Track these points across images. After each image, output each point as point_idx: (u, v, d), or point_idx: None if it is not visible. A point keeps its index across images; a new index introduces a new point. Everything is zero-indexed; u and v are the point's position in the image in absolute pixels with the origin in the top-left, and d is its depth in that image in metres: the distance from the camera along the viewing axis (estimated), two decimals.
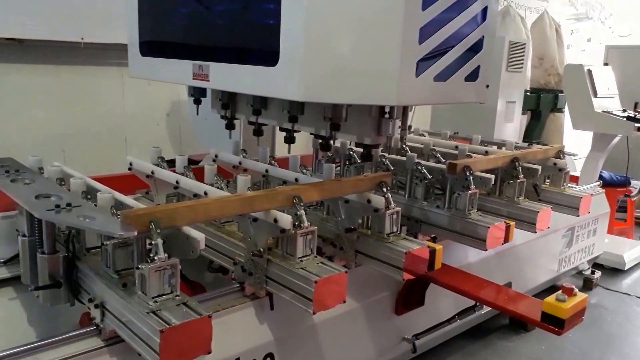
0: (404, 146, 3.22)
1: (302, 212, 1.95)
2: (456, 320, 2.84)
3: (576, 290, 2.09)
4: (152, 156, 2.66)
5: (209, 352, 1.53)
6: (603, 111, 4.42)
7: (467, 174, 2.55)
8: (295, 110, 2.28)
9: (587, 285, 4.03)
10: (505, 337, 3.33)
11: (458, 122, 4.53)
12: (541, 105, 5.99)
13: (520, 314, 2.21)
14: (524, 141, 4.31)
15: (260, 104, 2.49)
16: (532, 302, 2.26)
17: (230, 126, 2.77)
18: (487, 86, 2.25)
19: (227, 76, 2.15)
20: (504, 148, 3.44)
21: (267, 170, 2.62)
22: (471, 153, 3.13)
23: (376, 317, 2.48)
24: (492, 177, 2.68)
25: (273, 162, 2.76)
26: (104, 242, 1.75)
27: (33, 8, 3.47)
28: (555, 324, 2.06)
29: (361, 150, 2.93)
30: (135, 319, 1.54)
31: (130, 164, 2.59)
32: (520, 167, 2.85)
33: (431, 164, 2.85)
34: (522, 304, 2.27)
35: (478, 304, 2.89)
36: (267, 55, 1.90)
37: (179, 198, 2.41)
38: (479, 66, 2.16)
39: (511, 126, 4.98)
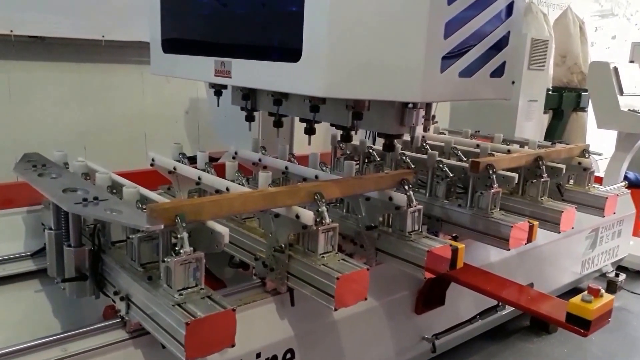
0: (424, 144, 3.20)
1: (324, 208, 1.95)
2: (477, 321, 2.81)
3: (602, 291, 2.06)
4: (173, 152, 2.68)
5: (233, 346, 1.54)
6: (629, 110, 4.33)
7: (490, 172, 2.52)
8: (317, 100, 2.21)
9: (611, 288, 3.95)
10: (527, 338, 3.28)
11: (478, 120, 4.47)
12: (563, 104, 5.91)
13: (545, 314, 2.18)
14: (545, 140, 4.25)
15: (281, 94, 2.43)
16: (557, 303, 2.23)
17: (250, 118, 2.74)
18: (513, 82, 2.22)
19: (249, 72, 2.14)
20: (526, 147, 3.39)
21: (286, 167, 2.62)
22: (493, 151, 3.09)
23: (396, 315, 2.47)
24: (516, 175, 2.65)
25: (292, 159, 2.77)
26: (130, 236, 1.77)
27: (55, 6, 3.53)
28: (580, 325, 2.03)
29: (380, 148, 2.95)
30: (161, 311, 1.56)
31: (153, 160, 2.62)
32: (544, 166, 2.80)
33: (453, 162, 2.83)
34: (546, 305, 2.24)
35: (500, 304, 2.86)
36: (290, 51, 1.87)
37: (200, 194, 2.42)
38: (504, 62, 2.13)
39: (532, 125, 4.91)
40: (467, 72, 1.98)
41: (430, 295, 2.53)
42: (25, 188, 2.61)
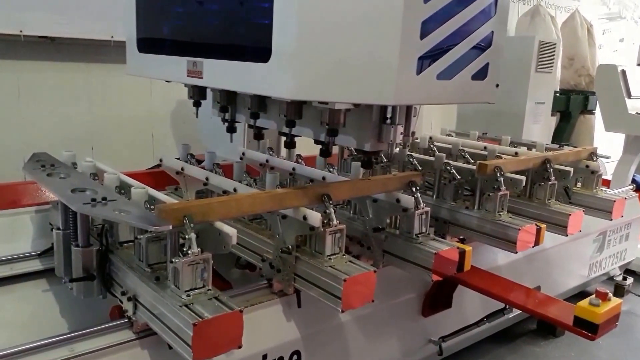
0: (431, 146, 3.19)
1: (332, 210, 1.95)
2: (484, 323, 2.80)
3: (610, 294, 2.04)
4: (181, 153, 2.69)
5: (240, 347, 1.54)
6: (637, 113, 4.30)
7: (498, 174, 2.51)
8: (292, 115, 2.14)
9: (619, 291, 3.93)
10: (533, 342, 3.27)
11: (485, 122, 4.47)
12: (571, 106, 5.89)
13: (552, 317, 2.17)
14: (553, 143, 4.23)
15: (257, 107, 2.38)
16: (564, 306, 2.22)
17: (231, 129, 2.67)
18: (497, 85, 2.07)
19: (221, 73, 2.05)
20: (534, 149, 3.38)
21: (294, 169, 2.62)
22: (501, 154, 3.08)
23: (403, 318, 2.46)
24: (523, 178, 2.64)
25: (300, 160, 2.77)
26: (137, 236, 1.77)
27: (65, 7, 3.55)
28: (588, 329, 2.02)
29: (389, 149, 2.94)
30: (168, 312, 1.56)
31: (161, 161, 2.62)
32: (551, 169, 2.79)
33: (460, 164, 2.82)
34: (553, 308, 2.23)
35: (507, 307, 2.85)
36: (260, 50, 1.78)
37: (207, 194, 2.43)
38: (487, 64, 2.00)
39: (540, 127, 4.90)
40: (447, 74, 1.87)
41: (437, 298, 2.52)
42: (33, 187, 2.65)
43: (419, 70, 1.77)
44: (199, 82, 2.19)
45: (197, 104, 2.63)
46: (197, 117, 2.65)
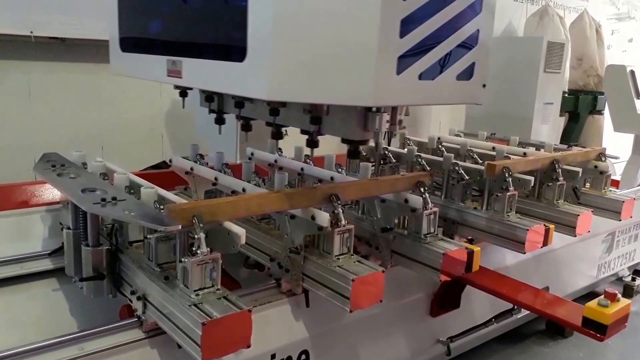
0: (440, 146, 3.19)
1: (340, 210, 1.95)
2: (492, 324, 2.79)
3: (619, 295, 2.03)
4: (190, 153, 2.70)
5: (249, 346, 1.55)
6: None
7: (507, 175, 2.50)
8: (276, 103, 2.06)
9: (628, 292, 3.91)
10: (542, 342, 3.26)
11: (493, 122, 4.45)
12: (579, 107, 5.86)
13: (561, 318, 2.16)
14: (561, 143, 4.21)
15: (243, 96, 2.27)
16: (573, 307, 2.21)
17: (219, 120, 2.62)
18: (484, 85, 1.99)
19: (199, 72, 2.00)
20: (542, 150, 3.37)
21: (302, 169, 2.62)
22: (509, 154, 3.07)
23: (411, 318, 2.46)
24: (532, 178, 2.63)
25: (308, 160, 2.77)
26: (147, 236, 1.78)
27: (75, 8, 3.58)
28: (597, 329, 2.01)
29: (396, 149, 2.94)
30: (177, 311, 1.57)
31: (170, 161, 2.64)
32: (560, 170, 2.78)
33: (469, 164, 2.81)
34: (562, 308, 2.22)
35: (515, 307, 2.84)
36: (236, 50, 1.73)
37: (216, 194, 2.44)
38: (473, 63, 1.93)
39: (548, 128, 4.88)
40: (429, 74, 1.80)
41: (446, 298, 2.52)
42: (44, 187, 2.67)
43: (400, 70, 1.71)
44: (179, 82, 2.15)
45: (183, 94, 2.60)
46: (183, 107, 2.62)
